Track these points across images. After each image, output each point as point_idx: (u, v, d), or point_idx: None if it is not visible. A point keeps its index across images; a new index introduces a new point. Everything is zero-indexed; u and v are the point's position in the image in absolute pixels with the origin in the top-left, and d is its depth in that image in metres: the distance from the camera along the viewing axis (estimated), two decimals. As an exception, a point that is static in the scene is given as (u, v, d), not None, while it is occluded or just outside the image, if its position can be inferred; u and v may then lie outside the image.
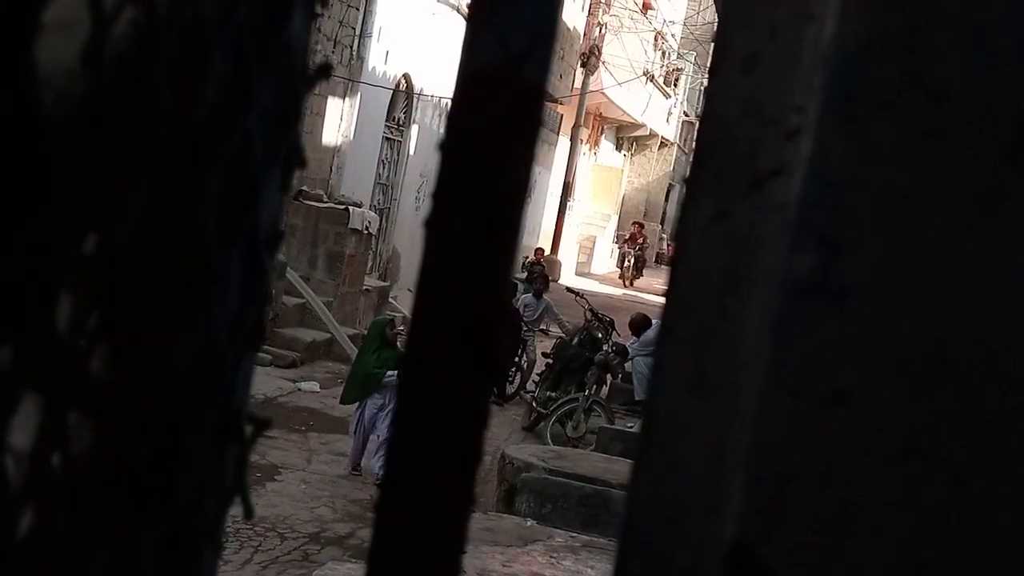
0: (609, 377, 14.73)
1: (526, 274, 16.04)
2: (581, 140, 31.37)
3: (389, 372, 10.26)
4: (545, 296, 16.12)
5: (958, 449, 0.70)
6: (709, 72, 0.81)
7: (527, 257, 17.04)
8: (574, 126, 29.86)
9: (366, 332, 10.97)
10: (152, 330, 0.71)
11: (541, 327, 16.23)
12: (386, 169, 20.54)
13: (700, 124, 0.80)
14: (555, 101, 26.15)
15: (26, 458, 0.63)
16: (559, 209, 30.45)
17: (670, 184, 44.22)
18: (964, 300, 0.69)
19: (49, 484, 0.64)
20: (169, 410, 0.73)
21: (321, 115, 16.93)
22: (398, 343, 10.48)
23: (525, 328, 15.43)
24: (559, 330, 16.42)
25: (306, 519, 8.90)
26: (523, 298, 15.49)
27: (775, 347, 0.71)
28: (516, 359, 15.32)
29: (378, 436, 10.17)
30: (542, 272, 17.21)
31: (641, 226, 37.20)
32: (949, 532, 0.70)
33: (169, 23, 0.66)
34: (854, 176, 0.70)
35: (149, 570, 0.73)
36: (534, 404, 14.22)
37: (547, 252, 29.04)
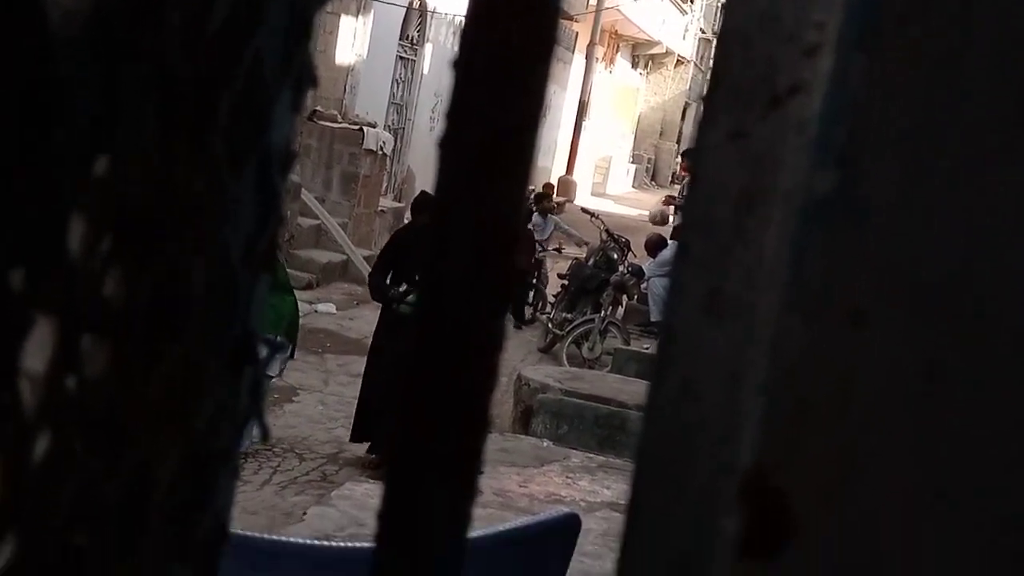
0: (625, 298, 14.76)
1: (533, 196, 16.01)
2: (596, 58, 31.13)
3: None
4: (552, 215, 16.09)
5: (978, 372, 0.69)
6: (727, -12, 0.79)
7: (533, 189, 17.04)
8: (589, 44, 29.62)
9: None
10: (165, 253, 0.70)
11: (554, 247, 16.23)
12: (400, 88, 20.46)
13: (717, 41, 0.79)
14: (570, 18, 25.92)
15: (40, 382, 0.63)
16: (574, 128, 30.30)
17: (686, 103, 43.96)
18: (987, 220, 0.68)
19: (64, 408, 0.64)
20: (183, 333, 0.73)
21: (334, 33, 16.83)
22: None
23: (540, 249, 15.45)
24: (574, 250, 16.41)
25: (324, 440, 8.99)
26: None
27: (792, 267, 0.70)
28: (533, 280, 15.35)
29: None
30: (547, 192, 17.17)
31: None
32: (968, 456, 0.70)
33: (176, -60, 0.65)
34: (876, 94, 0.68)
35: (165, 494, 0.73)
36: (550, 325, 14.26)
37: (563, 172, 28.96)
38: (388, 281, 8.48)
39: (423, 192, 9.53)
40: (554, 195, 22.63)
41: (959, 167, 0.68)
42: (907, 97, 0.69)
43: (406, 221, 17.84)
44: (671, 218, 16.13)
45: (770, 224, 0.72)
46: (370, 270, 9.81)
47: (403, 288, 8.20)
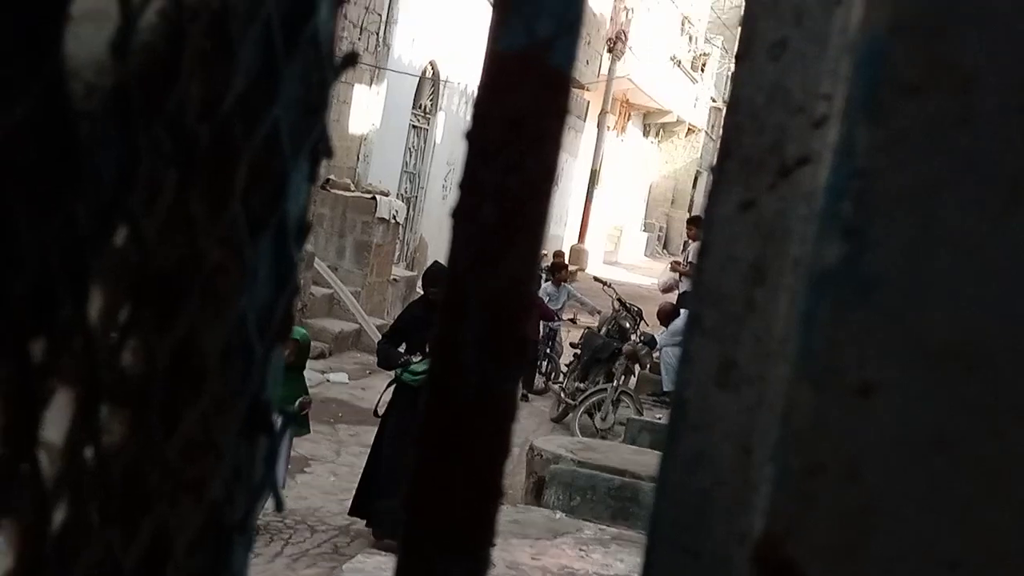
0: (637, 367, 14.70)
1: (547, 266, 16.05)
2: (608, 127, 31.28)
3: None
4: (565, 284, 16.10)
5: (986, 443, 0.69)
6: (736, 59, 0.80)
7: (546, 254, 17.13)
8: (601, 112, 29.78)
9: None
10: (182, 322, 0.71)
11: (568, 317, 16.22)
12: (413, 157, 20.55)
13: (727, 111, 0.80)
14: (581, 87, 26.09)
15: (59, 452, 0.63)
16: (586, 196, 30.38)
17: (697, 171, 44.07)
18: (993, 291, 0.69)
19: (82, 478, 0.65)
20: (199, 403, 0.73)
21: (348, 103, 16.95)
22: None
23: (556, 319, 15.44)
24: (587, 319, 16.39)
25: (336, 511, 8.92)
26: (544, 286, 15.50)
27: (802, 338, 0.70)
28: (547, 351, 15.34)
29: None
30: (561, 262, 17.19)
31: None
32: (976, 528, 0.70)
33: (197, 13, 0.67)
34: (882, 165, 0.69)
35: (181, 564, 0.73)
36: (562, 395, 14.21)
37: (576, 240, 29.00)
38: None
39: (436, 263, 9.49)
40: (567, 264, 22.69)
41: (965, 235, 0.69)
42: (912, 166, 0.69)
43: (418, 291, 17.88)
44: (681, 284, 16.14)
45: (780, 295, 0.73)
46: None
47: (416, 358, 8.16)
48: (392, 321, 9.57)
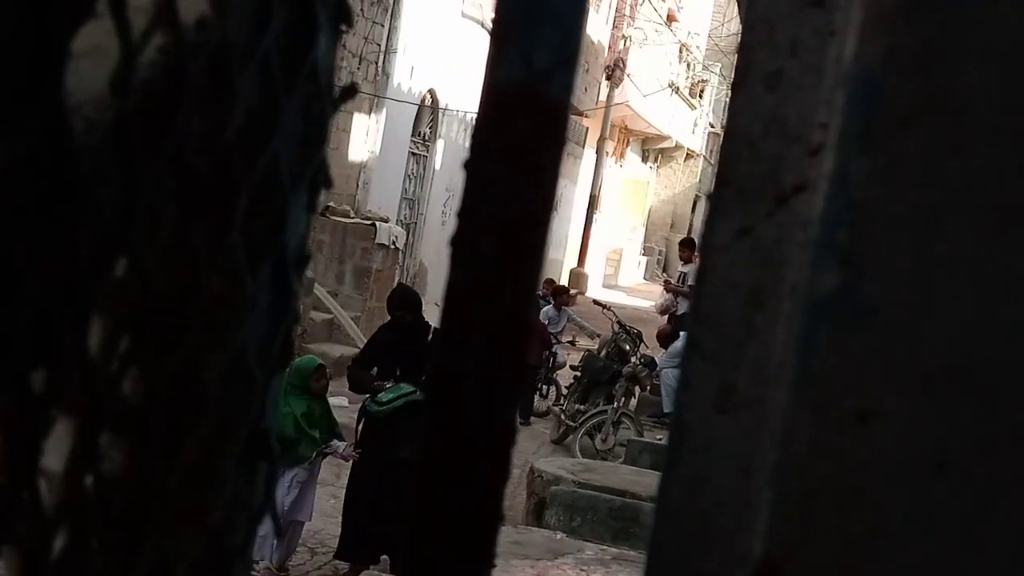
0: (638, 389, 14.69)
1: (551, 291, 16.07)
2: (607, 152, 31.32)
3: (331, 444, 7.82)
4: (566, 308, 16.11)
5: (984, 467, 0.70)
6: (731, 88, 0.81)
7: (552, 281, 17.13)
8: (599, 138, 29.82)
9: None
10: (182, 351, 0.71)
11: (567, 339, 16.21)
12: (412, 184, 20.57)
13: (723, 140, 0.80)
14: (580, 114, 26.13)
15: (59, 480, 0.63)
16: (585, 222, 30.40)
17: (696, 195, 44.10)
18: (989, 316, 0.69)
19: (82, 506, 0.65)
20: (200, 430, 0.74)
21: (347, 131, 16.98)
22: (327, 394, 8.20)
23: (555, 341, 15.43)
24: (587, 341, 16.38)
25: (335, 534, 8.89)
26: (545, 309, 15.49)
27: (800, 364, 0.71)
28: (548, 373, 15.33)
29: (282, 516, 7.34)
30: (562, 286, 17.23)
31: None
32: (975, 552, 0.70)
33: (196, 49, 0.67)
34: (877, 193, 0.70)
35: (181, 590, 0.73)
36: (563, 417, 14.19)
37: (575, 264, 29.01)
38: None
39: (400, 285, 9.24)
40: (567, 288, 22.68)
41: (960, 260, 0.69)
42: (907, 194, 0.70)
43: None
44: (678, 306, 16.15)
45: (778, 320, 0.73)
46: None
47: (388, 384, 7.80)
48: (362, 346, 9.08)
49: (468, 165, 0.69)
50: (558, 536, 8.17)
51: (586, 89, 26.88)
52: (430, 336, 7.80)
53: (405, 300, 8.07)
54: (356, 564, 7.88)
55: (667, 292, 16.85)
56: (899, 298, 0.70)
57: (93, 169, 0.61)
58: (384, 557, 7.61)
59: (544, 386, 15.37)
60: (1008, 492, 0.69)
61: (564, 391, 14.96)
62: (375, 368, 8.07)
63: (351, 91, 0.84)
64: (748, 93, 0.78)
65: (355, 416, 8.38)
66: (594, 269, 31.80)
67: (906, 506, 0.70)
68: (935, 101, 0.69)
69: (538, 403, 15.04)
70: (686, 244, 17.81)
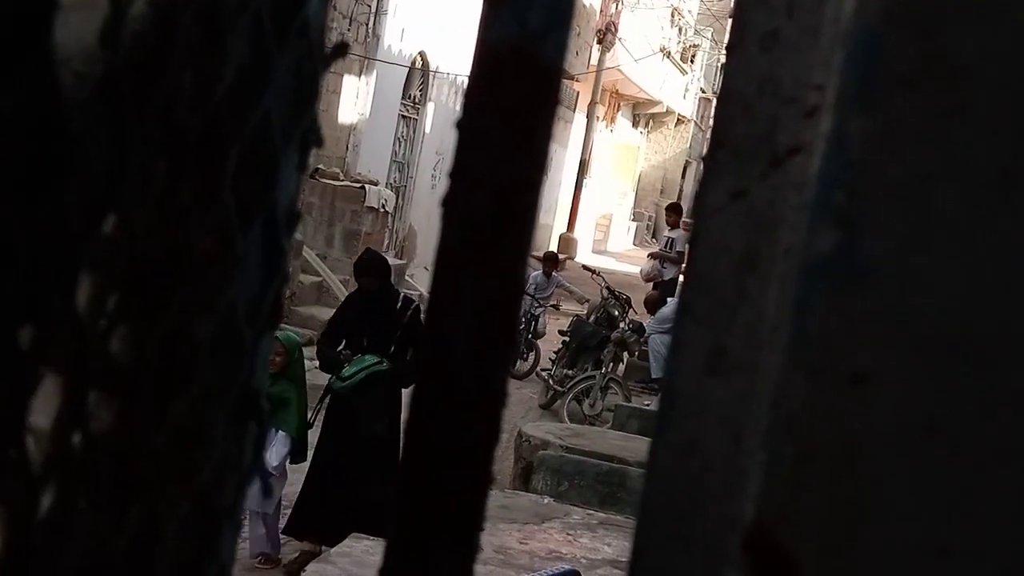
0: (626, 355, 14.74)
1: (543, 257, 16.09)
2: (597, 117, 31.29)
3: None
4: (556, 274, 16.13)
5: (980, 430, 0.70)
6: (726, 50, 0.80)
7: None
8: (590, 103, 29.79)
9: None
10: (171, 310, 0.71)
11: (552, 303, 16.23)
12: (402, 147, 20.54)
13: (718, 102, 0.80)
14: (571, 78, 26.07)
15: (47, 438, 0.63)
16: (575, 186, 30.40)
17: (687, 161, 44.11)
18: (986, 279, 0.69)
19: (70, 464, 0.65)
20: (189, 390, 0.73)
21: (337, 93, 16.94)
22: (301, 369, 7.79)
23: (537, 304, 15.42)
24: (574, 306, 16.41)
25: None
26: (534, 275, 15.50)
27: (794, 326, 0.70)
28: (527, 336, 15.34)
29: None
30: (553, 254, 17.24)
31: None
32: (970, 515, 0.70)
33: (187, 3, 0.66)
34: (874, 155, 0.69)
35: (169, 550, 0.73)
36: (551, 382, 14.24)
37: (565, 230, 29.03)
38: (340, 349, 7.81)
39: (368, 250, 9.03)
40: (558, 255, 22.69)
41: (957, 224, 0.69)
42: (905, 156, 0.69)
43: (407, 279, 17.84)
44: (665, 272, 16.19)
45: (771, 283, 0.73)
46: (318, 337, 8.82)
47: (356, 357, 7.55)
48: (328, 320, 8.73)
49: (460, 124, 0.69)
50: (545, 500, 8.21)
51: (577, 53, 26.81)
52: (399, 304, 7.77)
53: (372, 266, 7.82)
54: (311, 541, 7.77)
55: (652, 259, 16.91)
56: (897, 260, 0.69)
57: (82, 125, 0.60)
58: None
59: (524, 351, 15.38)
60: (1002, 458, 0.69)
61: (551, 357, 14.99)
62: (344, 341, 7.88)
63: (342, 49, 0.83)
64: (744, 54, 0.78)
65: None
66: (584, 234, 31.83)
67: (899, 469, 0.70)
68: (935, 62, 0.69)
69: (519, 366, 15.05)
70: (672, 209, 17.83)
